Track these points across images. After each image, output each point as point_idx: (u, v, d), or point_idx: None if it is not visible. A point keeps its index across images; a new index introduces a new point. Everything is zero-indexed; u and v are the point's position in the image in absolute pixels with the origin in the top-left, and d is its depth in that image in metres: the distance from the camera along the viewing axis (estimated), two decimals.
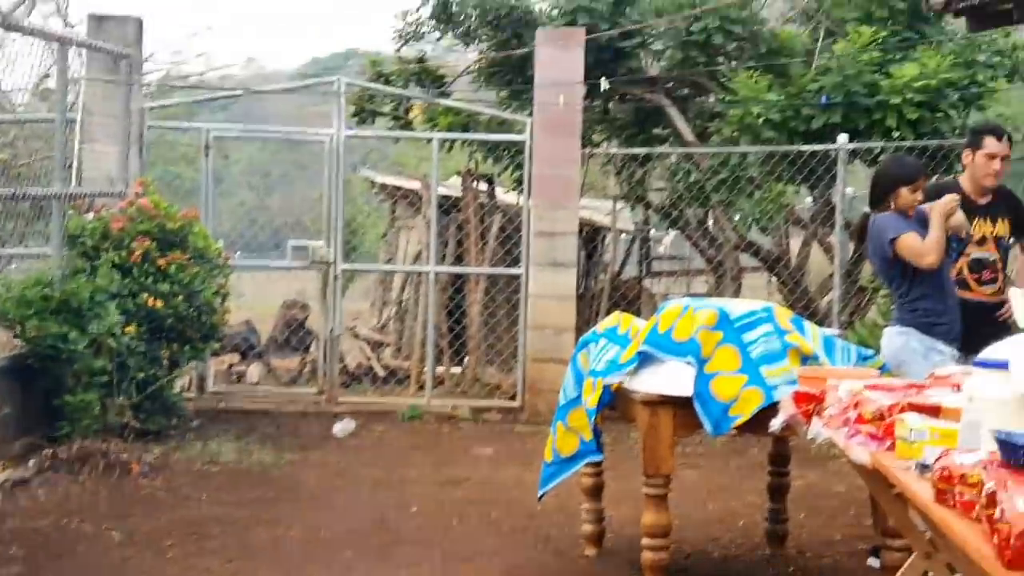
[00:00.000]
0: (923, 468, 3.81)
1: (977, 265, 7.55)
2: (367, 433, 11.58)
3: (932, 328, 6.91)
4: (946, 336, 6.91)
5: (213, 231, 12.20)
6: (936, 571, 5.16)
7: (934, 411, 4.24)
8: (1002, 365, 3.93)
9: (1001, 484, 3.09)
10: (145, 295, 10.39)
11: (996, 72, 12.89)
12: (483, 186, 14.63)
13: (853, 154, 12.27)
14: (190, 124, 14.38)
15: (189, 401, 12.06)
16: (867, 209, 7.28)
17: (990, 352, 4.15)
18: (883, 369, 6.47)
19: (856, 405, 4.51)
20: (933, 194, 7.37)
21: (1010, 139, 7.67)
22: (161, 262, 10.57)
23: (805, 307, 12.84)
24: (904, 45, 12.63)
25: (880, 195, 7.07)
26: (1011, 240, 7.69)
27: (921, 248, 6.78)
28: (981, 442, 3.72)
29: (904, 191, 6.99)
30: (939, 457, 3.60)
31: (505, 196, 15.45)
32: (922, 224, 6.92)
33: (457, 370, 13.90)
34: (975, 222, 7.55)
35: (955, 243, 7.29)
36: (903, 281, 6.98)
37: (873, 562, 7.07)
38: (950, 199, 6.98)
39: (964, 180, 7.76)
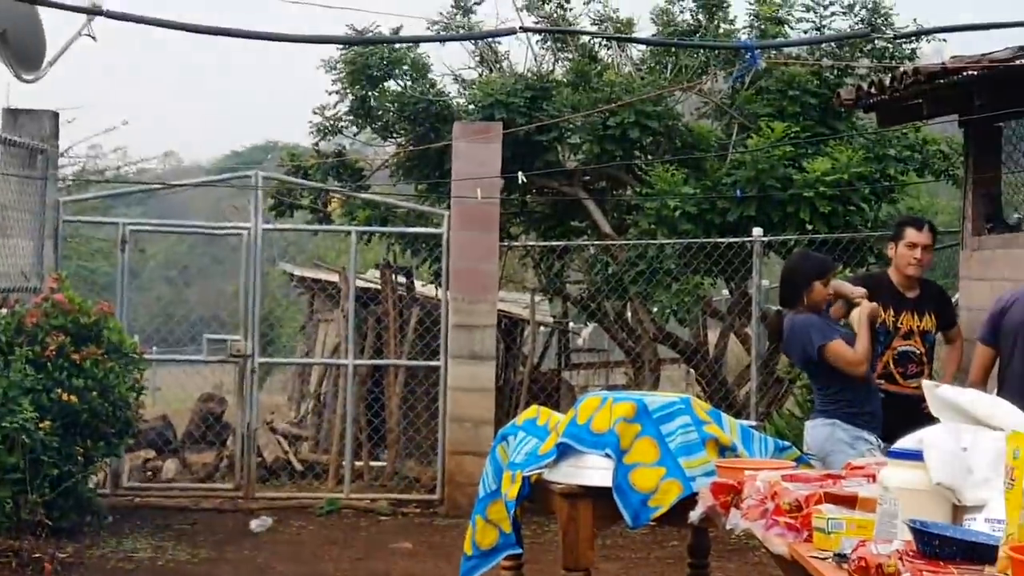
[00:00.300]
0: (840, 558, 3.83)
1: (903, 359, 7.66)
2: (285, 528, 11.45)
3: (855, 418, 6.98)
4: (869, 426, 6.98)
5: (129, 325, 12.10)
6: None
7: (850, 501, 4.29)
8: (916, 455, 3.97)
9: (917, 574, 3.13)
10: (59, 390, 10.23)
11: (907, 166, 13.11)
12: (401, 279, 14.60)
13: (768, 246, 12.40)
14: (106, 218, 14.28)
15: (103, 497, 11.85)
16: (778, 307, 7.36)
17: (904, 442, 4.19)
18: (800, 460, 6.48)
19: (774, 496, 4.55)
20: (864, 284, 7.52)
21: (932, 229, 7.82)
22: (76, 357, 10.42)
23: (723, 398, 12.91)
24: (816, 140, 12.81)
25: (793, 292, 7.12)
26: (936, 334, 7.77)
27: (853, 358, 6.87)
28: (897, 532, 3.75)
29: (818, 285, 7.05)
30: (856, 547, 3.63)
31: (424, 289, 15.45)
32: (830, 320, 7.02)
33: (376, 464, 13.76)
34: (902, 316, 7.69)
35: (881, 336, 7.42)
36: (826, 377, 7.05)
37: None
38: (874, 308, 7.12)
39: (892, 273, 7.91)
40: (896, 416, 6.96)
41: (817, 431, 7.06)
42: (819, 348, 6.90)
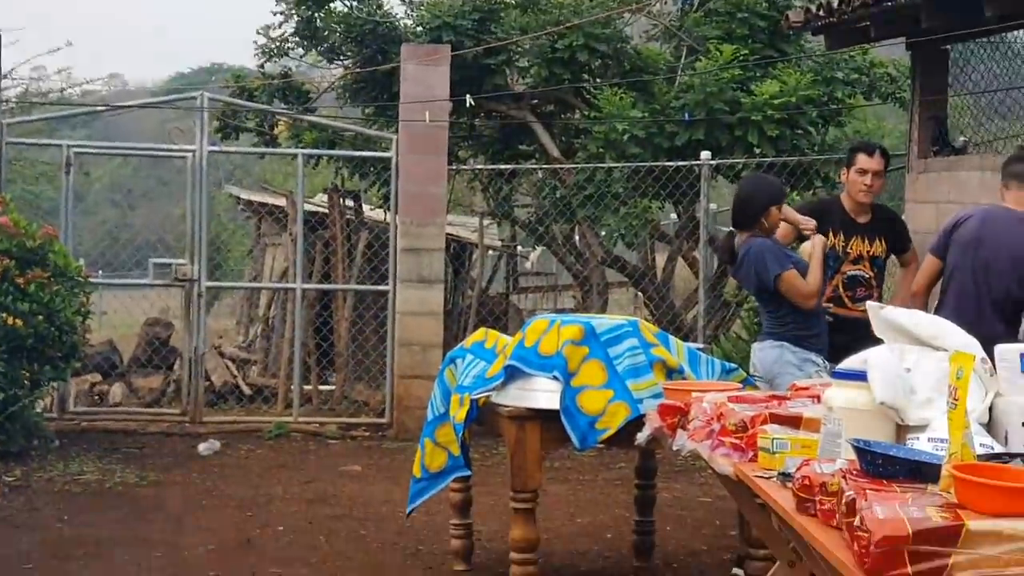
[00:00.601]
0: (785, 477, 3.85)
1: (852, 283, 7.67)
2: (233, 452, 11.46)
3: (804, 341, 6.99)
4: (816, 348, 7.01)
5: (74, 249, 12.03)
6: None
7: (795, 422, 4.31)
8: (860, 376, 4.00)
9: (860, 493, 3.13)
10: (4, 314, 10.19)
11: (854, 89, 13.16)
12: (349, 203, 14.56)
13: (716, 170, 12.44)
14: (50, 141, 14.14)
15: (50, 422, 11.85)
16: (731, 228, 7.32)
17: (848, 363, 4.22)
18: (746, 382, 6.54)
19: (720, 417, 4.56)
20: (815, 210, 7.57)
21: (884, 154, 7.79)
22: (20, 281, 10.37)
23: (671, 322, 12.94)
24: (764, 63, 12.82)
25: (749, 215, 7.10)
26: (886, 259, 7.80)
27: (806, 290, 6.90)
28: (840, 451, 3.78)
29: (773, 210, 7.06)
30: (800, 467, 3.65)
31: (372, 213, 15.39)
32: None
33: (325, 387, 13.80)
34: (852, 240, 7.70)
35: (831, 261, 7.42)
36: (777, 302, 7.06)
37: (738, 572, 7.09)
38: (826, 242, 7.20)
39: (844, 198, 7.90)
40: (844, 339, 6.79)
41: (765, 353, 7.06)
42: (775, 277, 6.91)
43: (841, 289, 7.68)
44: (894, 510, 2.97)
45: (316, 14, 14.54)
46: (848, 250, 7.69)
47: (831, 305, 7.54)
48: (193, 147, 12.69)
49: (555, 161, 13.51)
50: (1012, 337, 5.74)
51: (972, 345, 4.13)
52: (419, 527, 8.43)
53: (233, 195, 20.34)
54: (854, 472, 3.38)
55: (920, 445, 3.73)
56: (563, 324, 6.52)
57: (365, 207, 15.19)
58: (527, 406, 6.38)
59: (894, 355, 4.14)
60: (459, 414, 6.63)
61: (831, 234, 7.63)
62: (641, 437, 5.37)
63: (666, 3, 14.05)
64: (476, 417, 6.66)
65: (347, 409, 13.18)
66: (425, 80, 12.33)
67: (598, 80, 13.55)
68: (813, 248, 7.06)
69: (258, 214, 18.07)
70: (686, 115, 12.31)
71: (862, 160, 7.70)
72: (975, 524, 2.92)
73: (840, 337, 7.05)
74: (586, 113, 13.34)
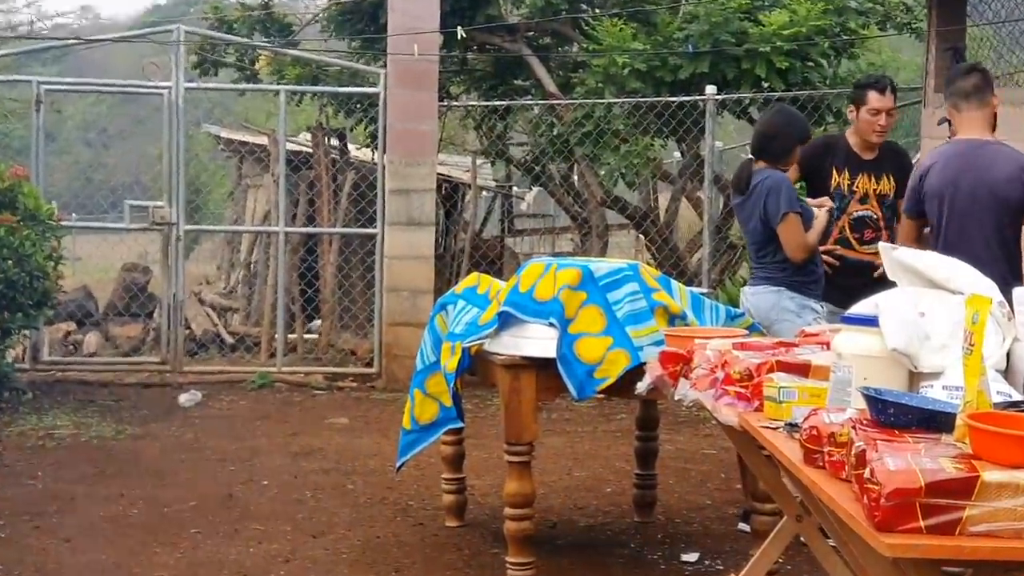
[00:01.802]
0: (792, 428, 3.85)
1: (859, 224, 7.61)
2: (215, 404, 11.47)
3: (802, 287, 7.02)
4: (814, 293, 7.03)
5: (45, 191, 11.98)
6: (807, 534, 5.20)
7: (803, 369, 4.28)
8: (871, 321, 3.98)
9: (871, 443, 3.12)
10: None
11: (868, 19, 13.07)
12: (335, 141, 14.51)
13: (722, 105, 12.37)
14: (19, 77, 14.06)
15: (22, 372, 11.86)
16: (750, 156, 7.31)
17: (859, 308, 4.21)
18: (752, 328, 6.53)
19: (724, 365, 4.53)
20: (818, 147, 7.56)
21: (895, 90, 7.70)
22: None
23: (673, 265, 12.92)
24: None
25: (779, 150, 7.11)
26: (894, 198, 7.67)
27: (802, 242, 6.92)
28: (850, 400, 3.78)
29: (798, 150, 7.11)
30: (808, 416, 3.63)
31: (358, 152, 15.34)
32: None
33: (310, 336, 13.79)
34: (858, 178, 7.63)
35: (836, 201, 7.42)
36: (776, 243, 7.05)
37: (743, 527, 7.13)
38: (829, 216, 7.19)
39: (850, 134, 7.82)
40: (852, 282, 7.00)
41: (761, 298, 7.06)
42: (783, 215, 6.91)
43: (848, 231, 7.63)
44: (906, 461, 2.96)
45: None
46: (854, 188, 7.62)
47: (837, 247, 7.53)
48: (169, 84, 12.63)
49: (552, 97, 13.45)
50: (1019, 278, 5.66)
51: (989, 288, 4.09)
52: (409, 482, 8.43)
53: (212, 134, 20.30)
54: (864, 422, 3.36)
55: (934, 393, 3.71)
56: (560, 268, 6.47)
57: (351, 146, 15.14)
58: (522, 354, 6.32)
59: (907, 299, 4.13)
60: (450, 363, 6.59)
61: (835, 172, 7.61)
62: (642, 386, 5.35)
63: None
64: (468, 366, 6.62)
65: (333, 359, 13.16)
66: (413, 10, 12.26)
67: (597, 10, 13.48)
68: (818, 216, 7.09)
69: (239, 154, 18.03)
70: (690, 47, 12.23)
71: (874, 99, 7.57)
72: (991, 475, 2.91)
73: (848, 280, 7.13)
74: (584, 46, 13.27)
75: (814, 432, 3.51)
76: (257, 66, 14.98)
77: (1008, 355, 3.97)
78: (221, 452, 9.49)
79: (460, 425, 7.03)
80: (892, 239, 7.22)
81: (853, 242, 7.64)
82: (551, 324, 6.31)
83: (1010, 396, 3.67)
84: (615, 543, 7.28)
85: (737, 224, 10.43)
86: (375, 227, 12.59)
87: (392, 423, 9.67)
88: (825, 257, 7.40)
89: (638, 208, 14.04)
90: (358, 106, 14.31)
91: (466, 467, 7.62)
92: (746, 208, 7.19)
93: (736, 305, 7.29)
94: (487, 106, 14.30)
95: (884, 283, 4.45)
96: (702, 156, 12.61)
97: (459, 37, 12.89)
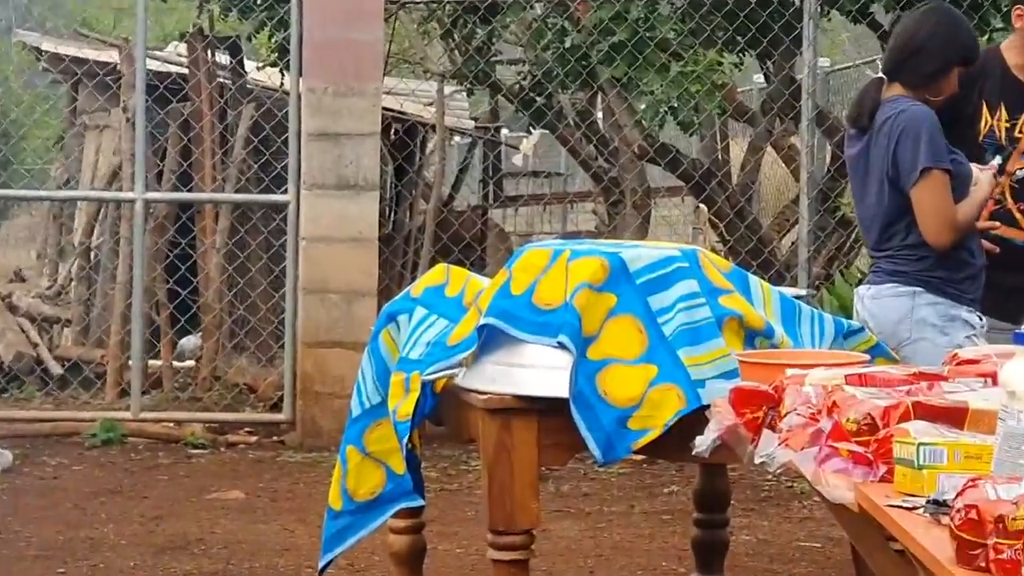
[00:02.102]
0: (938, 507, 3.36)
1: None
2: (32, 469, 9.54)
3: (949, 285, 5.67)
4: (969, 297, 5.73)
5: None
6: None
7: (955, 416, 3.74)
8: None
9: None
10: None
11: None
12: (223, 57, 12.11)
13: (829, 2, 10.46)
14: None
15: None
16: (880, 75, 5.88)
17: None
18: (875, 351, 5.29)
19: (832, 409, 3.93)
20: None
21: None
22: None
23: (753, 253, 10.97)
24: None
25: (927, 71, 5.71)
26: None
27: (949, 217, 5.59)
28: None
29: (955, 74, 5.76)
30: (963, 489, 3.16)
31: (260, 74, 12.98)
32: None
33: (183, 364, 11.64)
34: (1023, 118, 6.30)
35: (989, 154, 6.08)
36: (903, 215, 5.63)
37: None
38: (993, 181, 5.93)
39: (1008, 49, 6.41)
40: (1015, 277, 5.90)
41: (887, 305, 5.66)
42: (922, 171, 5.48)
43: (1010, 199, 6.19)
44: None
45: None
46: (1017, 134, 6.21)
47: (996, 225, 6.07)
48: None
49: None
50: None
51: None
52: None
53: (29, 46, 17.52)
54: None
55: None
56: (574, 257, 5.29)
57: (249, 64, 12.77)
58: (516, 392, 5.14)
59: None
60: (403, 406, 5.41)
61: (985, 109, 6.24)
62: (702, 443, 4.38)
63: None
64: (432, 411, 5.46)
65: (220, 399, 10.89)
66: None
67: None
68: (979, 181, 5.73)
69: (72, 77, 15.28)
70: None
71: None
72: None
73: (1014, 278, 5.90)
74: None
75: (973, 514, 3.04)
76: None
77: None
78: (43, 546, 7.79)
79: (419, 503, 5.81)
80: None
81: (1018, 216, 6.23)
82: (561, 345, 5.18)
83: None
84: None
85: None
86: (285, 192, 10.31)
87: (312, 499, 8.22)
88: (985, 243, 6.01)
89: (697, 162, 11.74)
90: (260, 4, 11.84)
91: (428, 569, 6.22)
92: (866, 156, 5.77)
93: (850, 314, 6.15)
94: (461, 2, 11.88)
95: None
96: (798, 81, 10.59)
97: None
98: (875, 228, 5.82)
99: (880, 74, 5.92)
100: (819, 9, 9.97)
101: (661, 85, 10.12)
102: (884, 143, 5.58)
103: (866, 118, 5.70)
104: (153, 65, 11.37)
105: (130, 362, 10.32)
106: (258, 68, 12.65)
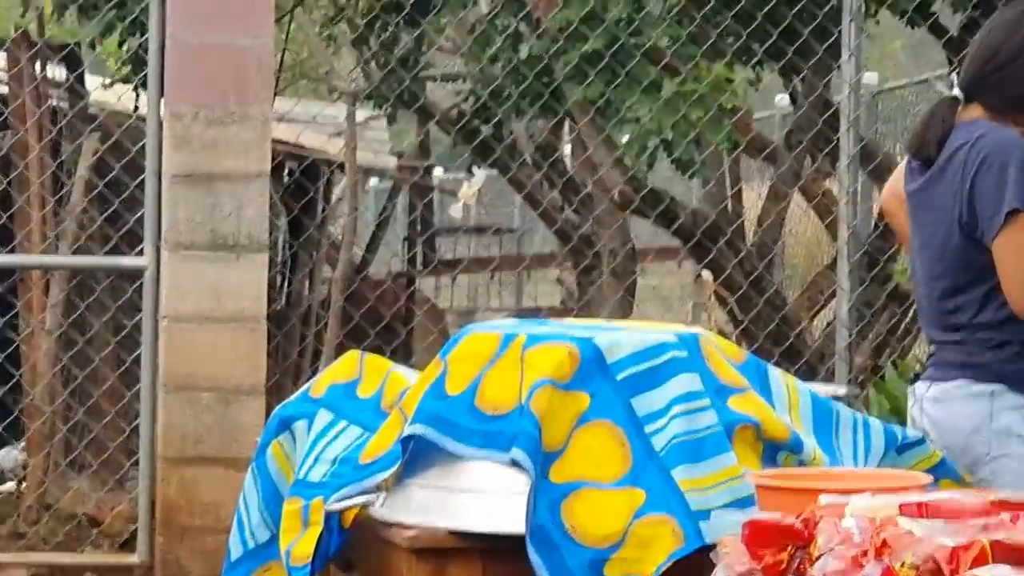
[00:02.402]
0: None
1: None
2: None
3: None
4: None
5: None
6: None
7: None
8: None
9: None
10: None
11: None
12: (58, 71, 10.70)
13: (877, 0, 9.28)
14: None
15: None
16: (956, 94, 5.06)
17: None
18: (939, 471, 4.64)
19: (882, 550, 3.41)
20: None
21: None
22: None
23: (775, 337, 9.63)
24: None
25: (1014, 92, 4.93)
26: None
27: None
28: None
29: None
30: None
31: (107, 94, 11.48)
32: None
33: (4, 487, 10.20)
34: None
35: None
36: (983, 279, 4.75)
37: None
38: None
39: None
40: None
41: (955, 410, 4.82)
42: (1010, 212, 4.63)
43: None
44: None
45: None
46: None
47: None
48: None
49: None
50: None
51: None
52: None
53: None
54: None
55: None
56: (531, 343, 4.64)
57: (92, 80, 11.31)
58: (452, 527, 4.48)
59: None
60: (300, 545, 4.72)
61: None
62: None
63: None
64: (339, 552, 4.72)
65: (49, 533, 9.48)
66: None
67: None
68: None
69: None
70: None
71: None
72: None
73: None
74: None
75: None
76: None
77: None
78: None
79: None
80: None
81: None
82: (514, 463, 4.54)
83: None
84: None
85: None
86: (140, 254, 8.82)
87: None
88: None
89: (699, 215, 10.30)
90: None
91: None
92: (928, 196, 4.95)
93: (904, 420, 5.27)
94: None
95: None
96: (835, 104, 9.16)
97: None
98: (937, 298, 4.94)
99: (955, 92, 5.05)
100: (863, 7, 8.63)
101: (650, 109, 8.86)
102: (957, 177, 4.70)
103: (933, 147, 4.82)
104: None
105: None
106: (104, 86, 11.17)
